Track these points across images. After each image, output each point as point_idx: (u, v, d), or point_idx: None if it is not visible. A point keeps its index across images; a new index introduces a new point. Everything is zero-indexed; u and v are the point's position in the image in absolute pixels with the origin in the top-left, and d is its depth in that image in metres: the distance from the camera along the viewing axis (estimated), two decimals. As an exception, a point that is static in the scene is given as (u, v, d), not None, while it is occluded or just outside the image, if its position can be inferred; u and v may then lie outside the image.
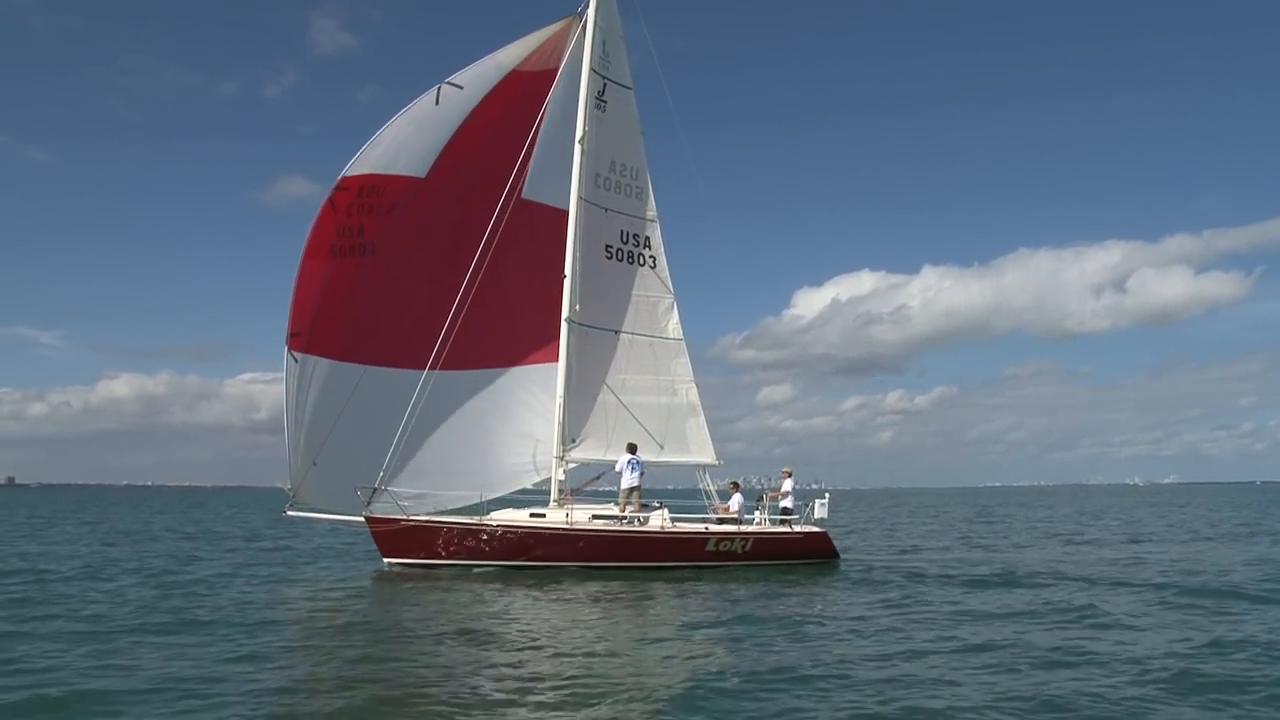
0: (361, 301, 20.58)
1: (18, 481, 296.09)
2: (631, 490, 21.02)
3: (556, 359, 21.68)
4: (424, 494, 20.86)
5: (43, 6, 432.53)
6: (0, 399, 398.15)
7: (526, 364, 21.91)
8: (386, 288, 20.69)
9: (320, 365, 20.44)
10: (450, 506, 21.35)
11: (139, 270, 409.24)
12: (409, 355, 20.63)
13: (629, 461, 21.12)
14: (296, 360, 20.34)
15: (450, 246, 20.81)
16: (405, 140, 20.68)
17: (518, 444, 21.86)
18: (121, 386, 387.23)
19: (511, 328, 21.55)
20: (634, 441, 21.53)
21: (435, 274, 20.73)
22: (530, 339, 21.76)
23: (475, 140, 21.06)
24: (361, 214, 20.35)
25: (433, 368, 20.37)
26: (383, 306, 20.74)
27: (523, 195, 21.43)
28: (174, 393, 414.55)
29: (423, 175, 20.77)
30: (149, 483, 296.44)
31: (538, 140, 21.52)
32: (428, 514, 20.56)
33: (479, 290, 20.65)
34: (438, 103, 20.89)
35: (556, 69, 21.95)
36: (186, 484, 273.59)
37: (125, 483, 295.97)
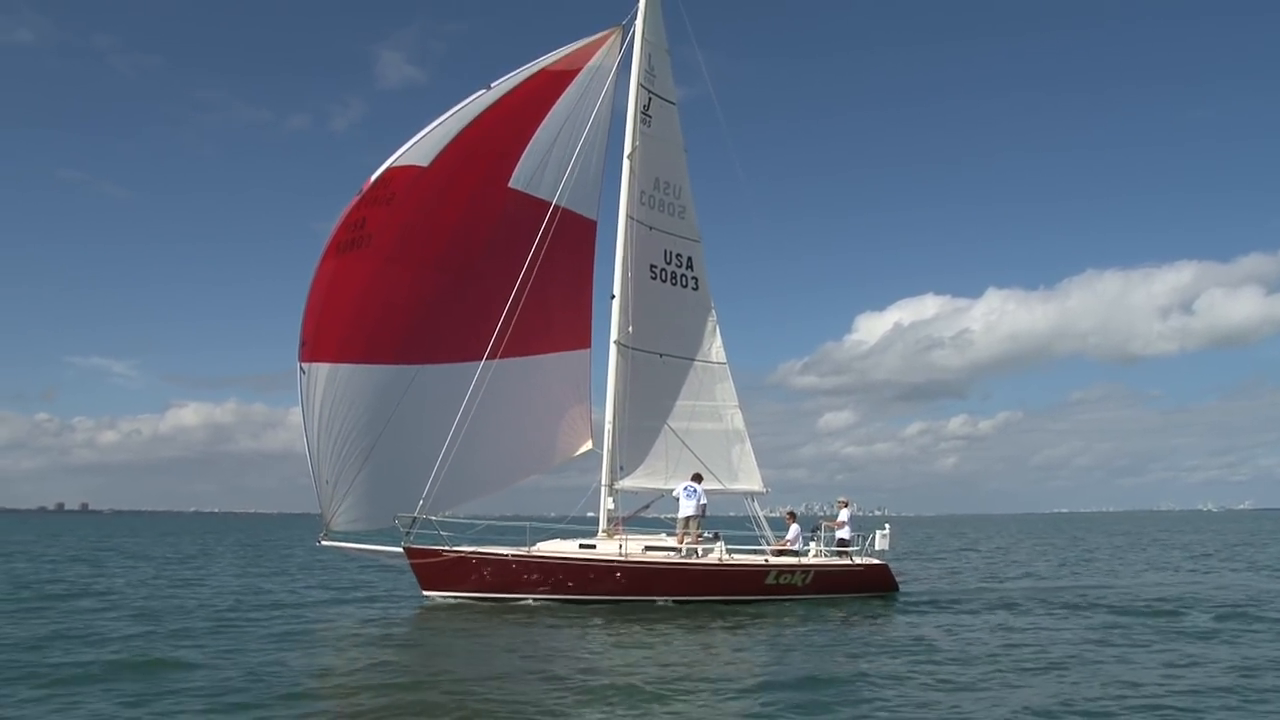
0: (355, 296, 19.49)
1: (91, 507, 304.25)
2: (689, 520, 20.09)
3: (543, 350, 21.03)
4: (471, 520, 20.03)
5: (123, 46, 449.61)
6: (75, 427, 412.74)
7: (512, 356, 20.26)
8: (375, 279, 19.51)
9: (320, 372, 19.30)
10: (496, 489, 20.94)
11: (209, 300, 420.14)
12: (397, 350, 19.66)
13: (686, 489, 20.20)
14: (304, 372, 19.34)
15: (436, 235, 19.86)
16: (426, 136, 19.97)
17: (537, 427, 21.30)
18: (190, 415, 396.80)
19: (487, 317, 19.98)
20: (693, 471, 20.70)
21: (422, 263, 19.76)
22: (515, 330, 20.04)
23: (481, 132, 20.24)
24: (366, 207, 19.57)
25: (424, 362, 19.71)
26: (372, 299, 19.59)
27: (509, 185, 20.60)
28: (240, 421, 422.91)
29: (426, 165, 19.89)
30: (215, 509, 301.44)
31: (535, 134, 20.75)
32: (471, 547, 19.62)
33: (460, 281, 20.01)
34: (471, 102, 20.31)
35: (580, 70, 21.22)
36: (252, 510, 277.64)
37: (193, 509, 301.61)
